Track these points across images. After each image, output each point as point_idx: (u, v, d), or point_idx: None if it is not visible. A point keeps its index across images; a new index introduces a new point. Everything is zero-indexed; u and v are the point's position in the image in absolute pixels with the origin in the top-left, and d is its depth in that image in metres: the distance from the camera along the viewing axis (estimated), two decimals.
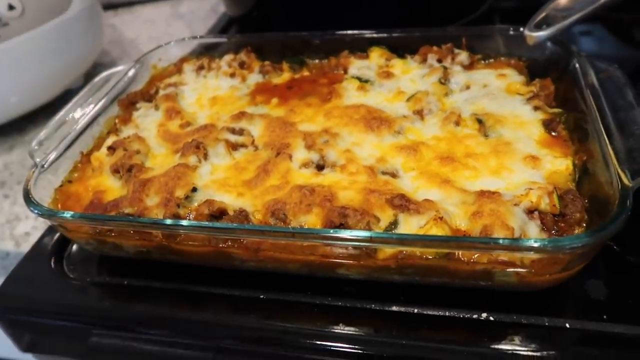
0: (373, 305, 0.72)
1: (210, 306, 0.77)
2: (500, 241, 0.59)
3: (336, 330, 0.70)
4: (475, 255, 0.64)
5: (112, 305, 0.81)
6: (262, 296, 0.76)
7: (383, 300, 0.72)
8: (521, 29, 0.96)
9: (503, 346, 0.66)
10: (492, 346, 0.66)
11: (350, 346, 0.69)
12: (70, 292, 0.83)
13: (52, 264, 0.86)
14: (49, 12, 1.21)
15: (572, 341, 0.66)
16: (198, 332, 0.76)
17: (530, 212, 0.69)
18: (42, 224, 1.01)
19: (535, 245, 0.58)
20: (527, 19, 1.08)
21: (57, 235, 0.91)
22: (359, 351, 0.69)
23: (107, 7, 1.91)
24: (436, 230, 0.66)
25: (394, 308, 0.71)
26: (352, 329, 0.70)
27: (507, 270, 0.63)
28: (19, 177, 1.16)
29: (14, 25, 1.14)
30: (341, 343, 0.69)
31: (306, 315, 0.73)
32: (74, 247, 0.89)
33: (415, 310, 0.71)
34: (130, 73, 1.09)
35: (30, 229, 1.00)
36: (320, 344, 0.70)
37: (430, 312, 0.70)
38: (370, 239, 0.63)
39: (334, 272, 0.72)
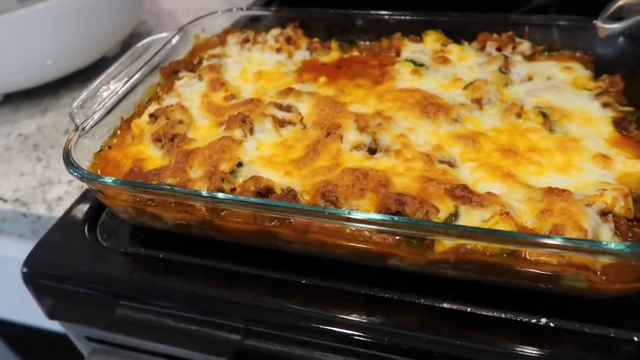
0: (422, 300, 0.68)
1: (247, 287, 0.73)
2: (582, 243, 0.54)
3: (382, 324, 0.66)
4: (545, 256, 0.59)
5: (145, 277, 0.78)
6: (303, 281, 0.72)
7: (433, 296, 0.68)
8: (594, 21, 0.89)
9: (563, 354, 0.61)
10: (552, 353, 0.61)
11: (397, 341, 0.65)
12: (103, 261, 0.80)
13: (85, 231, 0.83)
14: None
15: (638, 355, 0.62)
16: (231, 313, 0.73)
17: (603, 214, 0.64)
18: (75, 189, 0.99)
19: (617, 248, 0.54)
20: (585, 12, 1.02)
21: (91, 201, 0.88)
22: (406, 347, 0.65)
23: None
24: (502, 226, 0.62)
25: (445, 305, 0.67)
26: (398, 323, 0.66)
27: (578, 274, 0.59)
28: (52, 140, 1.13)
29: None
30: (387, 337, 0.65)
31: (350, 304, 0.69)
32: (108, 215, 0.87)
33: (468, 309, 0.66)
34: (173, 41, 1.05)
35: (62, 194, 0.98)
36: (364, 336, 0.66)
37: (484, 312, 0.66)
38: (434, 229, 0.58)
39: (384, 262, 0.68)
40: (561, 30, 0.98)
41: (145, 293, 0.76)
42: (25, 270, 0.80)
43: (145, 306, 0.76)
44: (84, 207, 0.88)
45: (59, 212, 0.94)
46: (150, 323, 0.77)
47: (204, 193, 0.66)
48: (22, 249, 0.83)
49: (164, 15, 1.67)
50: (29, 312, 0.88)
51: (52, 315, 0.85)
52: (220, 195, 0.66)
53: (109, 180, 0.70)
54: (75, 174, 0.72)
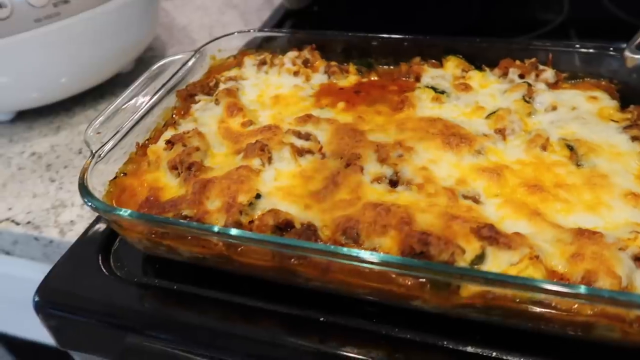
0: (445, 343, 0.66)
1: (262, 322, 0.71)
2: (619, 296, 0.52)
3: None
4: (577, 305, 0.56)
5: (158, 309, 0.76)
6: (321, 318, 0.70)
7: (457, 338, 0.66)
8: (624, 51, 0.87)
9: None
10: None
11: None
12: (115, 291, 0.78)
13: (98, 259, 0.81)
14: None
15: None
16: (245, 349, 0.71)
17: (637, 259, 0.61)
18: (88, 213, 0.97)
19: None
20: (604, 35, 1.00)
21: (104, 227, 0.86)
22: None
23: None
24: (532, 271, 0.59)
25: (469, 349, 0.65)
26: None
27: (612, 325, 0.56)
28: (65, 160, 1.12)
29: (74, 3, 1.10)
30: None
31: (369, 344, 0.67)
32: (121, 242, 0.85)
33: (494, 354, 0.64)
34: (190, 63, 1.03)
35: (75, 217, 0.96)
36: None
37: (510, 358, 0.63)
38: (461, 276, 0.56)
39: (407, 303, 0.66)
40: (585, 57, 0.95)
41: (158, 326, 0.75)
42: (37, 299, 0.78)
43: (156, 339, 0.75)
44: (97, 233, 0.86)
45: (71, 236, 0.92)
46: (161, 356, 0.75)
47: (222, 230, 0.64)
48: (33, 270, 0.82)
49: (177, 31, 1.67)
50: (40, 331, 0.86)
51: (62, 344, 0.84)
52: (238, 232, 0.64)
53: (125, 213, 0.68)
54: (91, 204, 0.70)
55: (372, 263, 0.59)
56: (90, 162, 0.77)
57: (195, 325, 0.73)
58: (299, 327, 0.70)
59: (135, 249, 0.81)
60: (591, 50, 0.94)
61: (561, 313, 0.57)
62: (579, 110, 0.86)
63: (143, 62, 1.43)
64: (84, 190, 0.72)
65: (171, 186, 0.79)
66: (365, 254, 0.60)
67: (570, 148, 0.79)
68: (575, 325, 0.59)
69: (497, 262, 0.62)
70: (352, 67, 1.04)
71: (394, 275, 0.61)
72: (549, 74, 0.93)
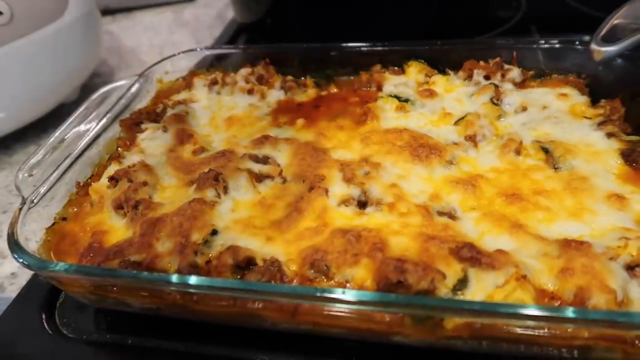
0: None
1: None
2: (618, 317, 0.47)
3: None
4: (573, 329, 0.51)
5: None
6: None
7: None
8: (590, 45, 0.83)
9: None
10: None
11: None
12: (64, 351, 0.69)
13: (42, 317, 0.72)
14: (41, 18, 1.08)
15: None
16: None
17: (629, 267, 0.56)
18: None
19: None
20: (565, 29, 0.97)
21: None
22: None
23: (104, 12, 1.78)
24: (520, 293, 0.54)
25: None
26: None
27: (612, 347, 0.51)
28: (4, 205, 1.02)
29: (1, 32, 1.01)
30: None
31: None
32: (67, 295, 0.76)
33: None
34: (134, 89, 0.95)
35: (16, 269, 0.86)
36: None
37: None
38: (445, 308, 0.50)
39: (387, 339, 0.59)
40: (550, 52, 0.92)
41: None
42: None
43: None
44: (40, 286, 0.77)
45: (11, 291, 0.82)
46: None
47: (174, 279, 0.57)
48: None
49: (125, 54, 1.58)
50: None
51: None
52: (193, 280, 0.56)
53: (61, 267, 0.60)
54: (22, 260, 0.61)
55: (346, 302, 0.53)
56: (21, 210, 0.68)
57: None
58: None
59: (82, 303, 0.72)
60: (556, 45, 0.91)
61: (555, 337, 0.52)
62: (550, 109, 0.82)
63: (89, 89, 1.33)
64: (15, 245, 0.63)
65: (117, 228, 0.71)
66: (337, 294, 0.53)
67: (546, 150, 0.74)
68: (572, 348, 0.53)
69: (482, 285, 0.56)
70: (309, 81, 0.98)
71: (370, 313, 0.55)
72: (515, 73, 0.89)
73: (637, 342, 0.51)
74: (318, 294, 0.53)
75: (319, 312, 0.56)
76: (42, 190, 0.74)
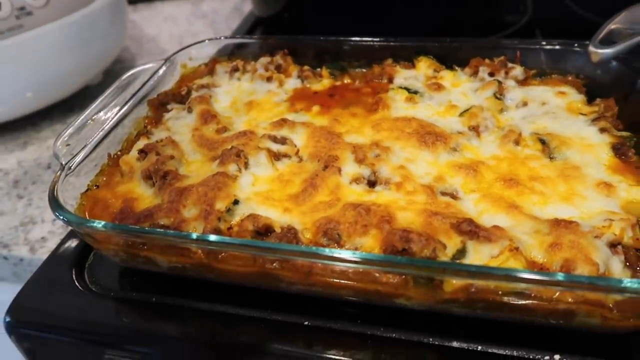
0: (431, 340, 0.66)
1: (247, 330, 0.70)
2: (599, 281, 0.53)
3: None
4: (558, 293, 0.57)
5: (137, 324, 0.74)
6: (306, 322, 0.69)
7: (442, 335, 0.65)
8: (589, 47, 0.89)
9: None
10: None
11: None
12: (91, 307, 0.75)
13: (72, 275, 0.79)
14: (74, 3, 1.14)
15: None
16: (232, 359, 0.70)
17: (612, 245, 0.62)
18: (60, 229, 0.94)
19: (634, 287, 0.52)
20: (567, 33, 1.03)
21: (77, 241, 0.84)
22: None
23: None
24: (513, 262, 0.60)
25: (455, 344, 0.65)
26: None
27: (592, 310, 0.57)
28: (33, 176, 1.08)
29: (37, 14, 1.08)
30: None
31: (355, 346, 0.67)
32: (96, 256, 0.82)
33: (479, 348, 0.64)
34: (160, 72, 1.02)
35: (46, 234, 0.93)
36: None
37: (495, 351, 0.63)
38: (445, 270, 0.56)
39: (391, 301, 0.65)
40: (552, 54, 0.98)
41: (137, 340, 0.73)
42: (8, 320, 0.75)
43: (137, 354, 0.72)
44: (70, 249, 0.83)
45: (42, 253, 0.89)
46: None
47: (200, 237, 0.63)
48: (2, 291, 0.78)
49: (146, 42, 1.64)
50: (13, 355, 0.82)
51: None
52: (218, 238, 0.63)
53: (99, 224, 0.66)
54: (63, 218, 0.68)
55: (354, 262, 0.59)
56: (60, 174, 0.75)
57: (177, 337, 0.71)
58: (283, 332, 0.69)
59: (111, 262, 0.78)
60: (557, 47, 0.97)
61: (542, 302, 0.58)
62: (549, 105, 0.88)
63: (112, 74, 1.40)
64: (55, 204, 0.69)
65: (146, 196, 0.77)
66: (347, 254, 0.59)
67: (543, 142, 0.80)
68: (556, 314, 0.59)
69: (478, 255, 0.62)
70: (325, 71, 1.04)
71: (377, 274, 0.61)
72: (517, 71, 0.95)
73: (614, 309, 0.57)
74: (330, 254, 0.59)
75: (331, 272, 0.63)
76: (78, 159, 0.80)
